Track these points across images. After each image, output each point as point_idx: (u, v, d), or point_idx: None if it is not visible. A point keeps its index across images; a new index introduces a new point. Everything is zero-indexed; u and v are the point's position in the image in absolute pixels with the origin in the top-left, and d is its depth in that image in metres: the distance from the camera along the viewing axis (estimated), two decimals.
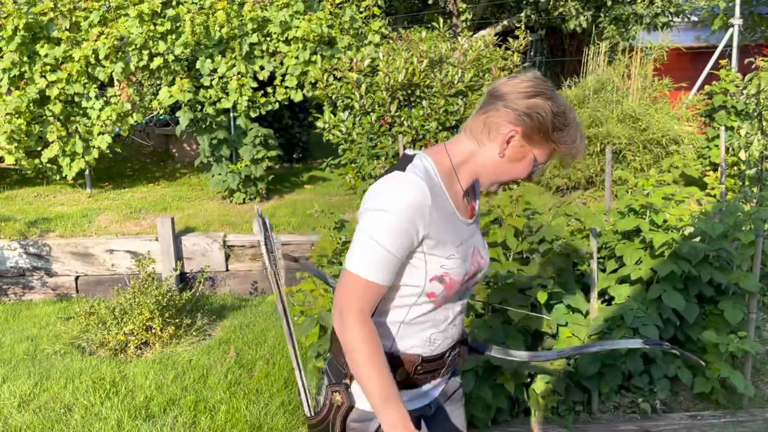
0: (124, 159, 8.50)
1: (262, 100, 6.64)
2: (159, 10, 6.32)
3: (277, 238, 5.12)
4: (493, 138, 1.41)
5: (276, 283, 1.62)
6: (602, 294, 3.22)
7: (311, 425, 1.49)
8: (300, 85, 6.76)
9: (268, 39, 6.70)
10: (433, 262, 1.38)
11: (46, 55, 6.17)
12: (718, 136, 6.16)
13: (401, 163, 1.41)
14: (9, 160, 6.27)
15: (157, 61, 6.27)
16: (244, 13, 6.53)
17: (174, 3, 6.51)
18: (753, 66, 6.28)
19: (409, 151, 1.46)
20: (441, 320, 1.46)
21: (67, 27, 6.28)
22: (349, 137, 6.45)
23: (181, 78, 6.37)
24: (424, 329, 1.45)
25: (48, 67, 6.20)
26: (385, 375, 1.32)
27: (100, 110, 6.33)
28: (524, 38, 8.06)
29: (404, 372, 1.45)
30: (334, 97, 6.54)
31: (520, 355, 1.85)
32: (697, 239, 3.15)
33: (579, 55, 9.73)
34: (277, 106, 6.82)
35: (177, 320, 4.29)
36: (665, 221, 3.08)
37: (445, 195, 1.42)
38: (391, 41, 7.61)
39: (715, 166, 6.38)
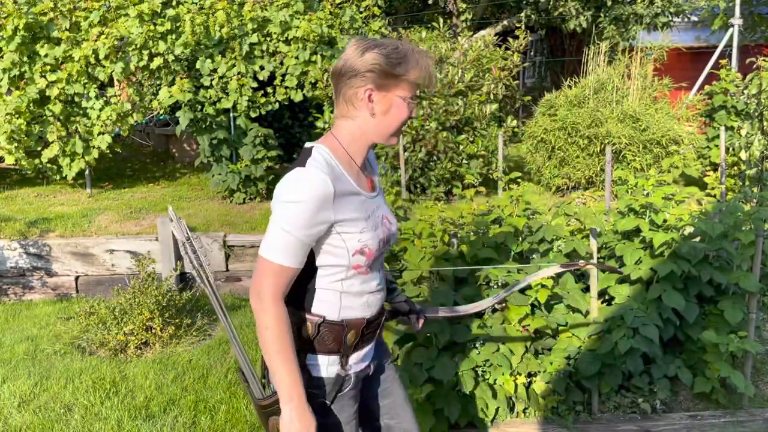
0: (124, 159, 8.50)
1: (262, 100, 6.65)
2: (159, 10, 6.32)
3: None
4: (358, 106, 1.56)
5: (206, 278, 1.70)
6: (602, 294, 3.22)
7: (263, 406, 1.58)
8: (300, 85, 6.76)
9: (268, 39, 6.70)
10: (351, 239, 1.54)
11: (46, 55, 6.17)
12: (718, 136, 6.17)
13: (302, 158, 1.55)
14: (9, 160, 6.27)
15: (157, 61, 6.27)
16: (244, 13, 6.53)
17: (174, 3, 6.51)
18: (754, 66, 6.28)
19: (308, 145, 1.59)
20: (374, 285, 1.65)
21: (67, 27, 6.28)
22: None
23: (181, 78, 6.38)
24: (362, 295, 1.62)
25: (48, 67, 6.20)
26: (293, 369, 1.48)
27: (100, 110, 6.33)
28: (524, 38, 8.07)
29: (354, 335, 1.61)
30: (334, 97, 6.55)
31: (466, 308, 2.05)
32: (697, 239, 3.15)
33: (579, 55, 9.73)
34: (277, 106, 6.82)
35: (177, 320, 4.29)
36: (665, 221, 3.08)
37: (346, 177, 1.56)
38: None
39: (715, 166, 6.38)
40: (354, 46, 1.54)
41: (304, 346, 1.59)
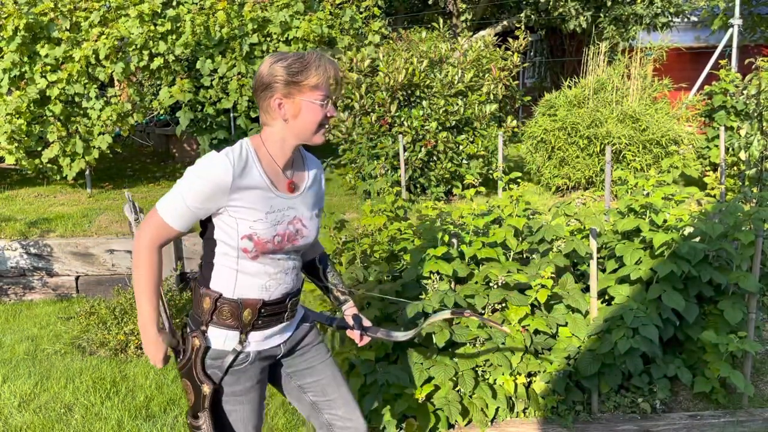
0: (125, 159, 8.51)
1: None
2: (159, 11, 6.33)
3: None
4: (274, 115, 1.72)
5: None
6: (602, 294, 3.22)
7: (180, 368, 1.80)
8: None
9: (269, 39, 6.71)
10: (243, 224, 1.69)
11: (46, 56, 6.17)
12: (717, 137, 6.17)
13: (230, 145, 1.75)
14: (9, 160, 6.28)
15: (158, 62, 6.28)
16: (244, 13, 6.53)
17: (174, 3, 6.51)
18: (753, 66, 6.28)
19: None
20: (273, 271, 1.77)
21: (68, 27, 6.28)
22: (349, 137, 6.45)
23: (182, 78, 6.38)
24: (259, 278, 1.76)
25: (48, 68, 6.21)
26: (152, 305, 1.70)
27: (101, 110, 6.34)
28: (524, 38, 8.07)
29: (249, 313, 1.76)
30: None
31: (397, 335, 2.14)
32: (697, 239, 3.15)
33: (579, 55, 9.74)
34: None
35: (177, 320, 4.30)
36: (665, 221, 3.08)
37: (258, 171, 1.71)
38: (391, 41, 7.62)
39: (714, 167, 6.38)
40: (265, 62, 1.72)
41: (206, 319, 1.76)
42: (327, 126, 1.77)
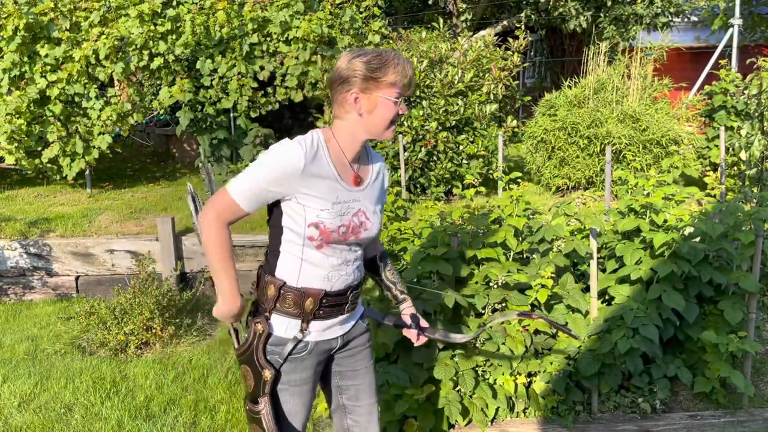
0: (125, 159, 8.51)
1: (263, 100, 6.65)
2: (159, 11, 6.33)
3: None
4: (348, 109, 1.76)
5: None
6: (602, 294, 3.22)
7: (239, 354, 1.83)
8: (300, 86, 6.76)
9: (269, 39, 6.70)
10: (311, 212, 1.73)
11: (46, 56, 6.17)
12: (718, 137, 6.17)
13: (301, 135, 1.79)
14: (9, 160, 6.28)
15: (158, 61, 6.27)
16: (244, 13, 6.53)
17: (174, 3, 6.51)
18: (755, 66, 6.28)
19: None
20: (336, 263, 1.80)
21: (68, 27, 6.28)
22: None
23: (182, 78, 6.38)
24: (322, 269, 1.79)
25: (48, 67, 6.21)
26: (230, 272, 1.74)
27: (101, 110, 6.34)
28: (524, 38, 8.07)
29: (312, 303, 1.78)
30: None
31: (456, 337, 2.16)
32: (697, 239, 3.15)
33: (579, 55, 9.73)
34: (277, 106, 6.82)
35: (177, 320, 4.30)
36: (665, 221, 3.08)
37: (327, 162, 1.75)
38: (391, 41, 7.62)
39: (714, 167, 6.38)
40: (343, 57, 1.76)
41: (270, 306, 1.80)
42: (397, 123, 1.80)
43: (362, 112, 1.75)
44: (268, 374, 1.78)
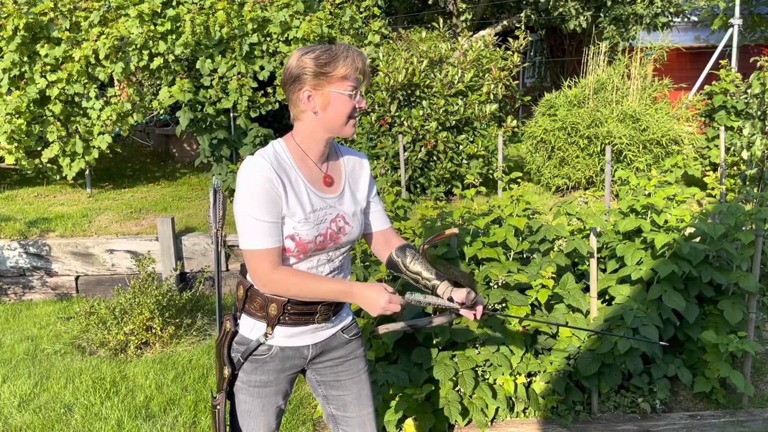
0: (125, 159, 8.50)
1: (263, 100, 6.64)
2: (159, 10, 6.32)
3: None
4: (303, 108, 1.71)
5: (217, 242, 1.98)
6: (602, 294, 3.22)
7: (216, 345, 1.87)
8: None
9: (269, 39, 6.70)
10: (288, 225, 1.70)
11: (46, 55, 6.17)
12: (718, 137, 6.17)
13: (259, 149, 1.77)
14: (9, 160, 6.27)
15: (158, 61, 6.27)
16: (244, 13, 6.53)
17: (174, 3, 6.51)
18: (758, 65, 6.27)
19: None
20: (304, 268, 1.76)
21: (68, 27, 6.27)
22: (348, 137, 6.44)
23: (182, 78, 6.38)
24: None
25: (48, 67, 6.20)
26: (328, 282, 1.71)
27: (101, 110, 6.33)
28: (524, 38, 8.07)
29: (275, 309, 1.76)
30: None
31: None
32: (698, 240, 3.15)
33: (579, 55, 9.73)
34: (277, 106, 6.81)
35: (177, 320, 4.30)
36: (666, 222, 3.08)
37: (296, 170, 1.73)
38: (391, 41, 7.62)
39: (714, 166, 6.38)
40: (294, 55, 1.72)
41: (240, 306, 1.82)
42: (357, 117, 1.76)
43: (317, 109, 1.70)
44: (226, 371, 1.80)
